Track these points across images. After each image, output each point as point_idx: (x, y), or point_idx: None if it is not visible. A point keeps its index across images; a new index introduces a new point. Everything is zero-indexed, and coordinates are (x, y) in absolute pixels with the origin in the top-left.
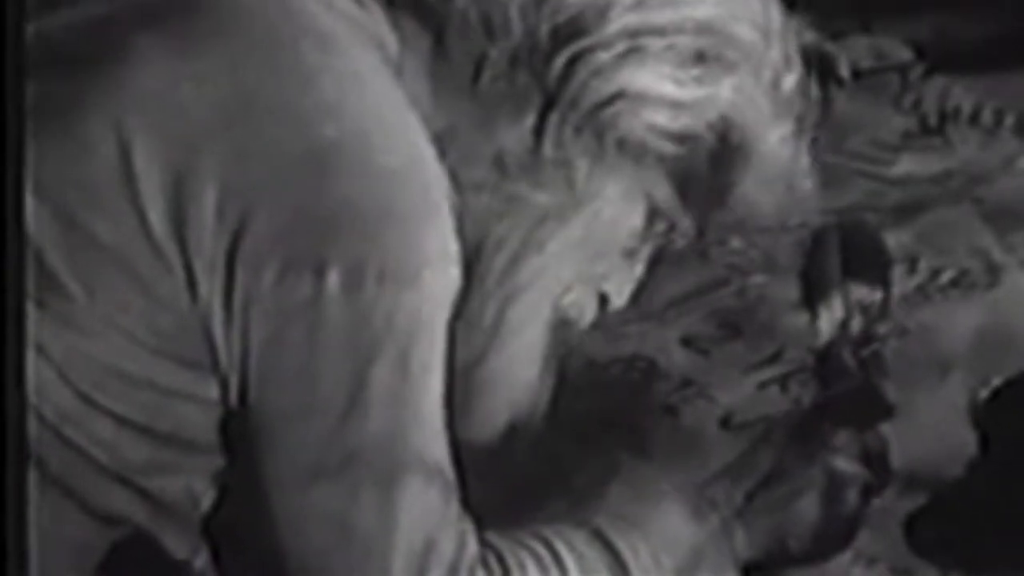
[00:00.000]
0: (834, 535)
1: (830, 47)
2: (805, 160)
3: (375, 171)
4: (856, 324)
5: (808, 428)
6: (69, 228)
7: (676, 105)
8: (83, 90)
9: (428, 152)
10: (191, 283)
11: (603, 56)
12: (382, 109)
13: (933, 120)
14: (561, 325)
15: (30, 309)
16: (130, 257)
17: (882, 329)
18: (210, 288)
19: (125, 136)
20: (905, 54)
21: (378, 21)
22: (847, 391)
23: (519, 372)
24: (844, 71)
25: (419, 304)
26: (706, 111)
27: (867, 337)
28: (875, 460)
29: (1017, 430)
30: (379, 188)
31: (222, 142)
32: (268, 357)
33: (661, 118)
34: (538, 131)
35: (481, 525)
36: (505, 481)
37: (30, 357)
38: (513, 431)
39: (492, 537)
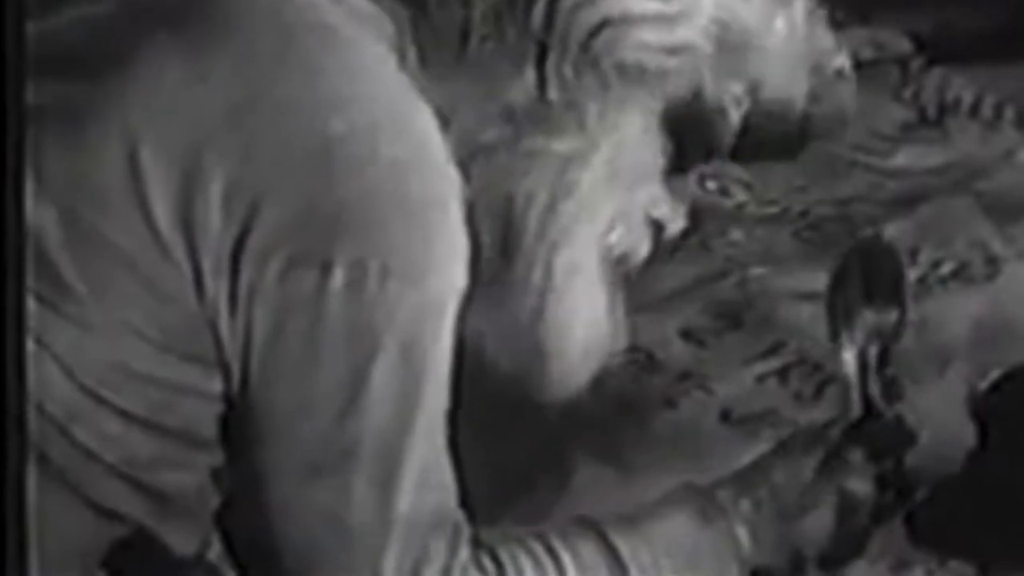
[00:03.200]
0: (839, 553)
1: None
2: (827, 38)
3: (382, 165)
4: (874, 349)
5: (825, 445)
6: (75, 228)
7: (662, 19)
8: (90, 90)
9: (436, 143)
10: (198, 281)
11: None
12: (390, 102)
13: (933, 112)
14: (617, 262)
15: (35, 308)
16: (136, 256)
17: (898, 351)
18: (216, 286)
19: (132, 135)
20: (905, 46)
21: (382, 9)
22: (871, 419)
23: (583, 325)
24: (845, 64)
25: (423, 301)
26: (694, 17)
27: (885, 361)
28: (891, 485)
29: (1016, 422)
30: (386, 183)
31: (229, 140)
32: (270, 350)
33: (651, 35)
34: (540, 79)
35: (480, 508)
36: (593, 431)
37: (35, 354)
38: (595, 383)
39: (487, 536)
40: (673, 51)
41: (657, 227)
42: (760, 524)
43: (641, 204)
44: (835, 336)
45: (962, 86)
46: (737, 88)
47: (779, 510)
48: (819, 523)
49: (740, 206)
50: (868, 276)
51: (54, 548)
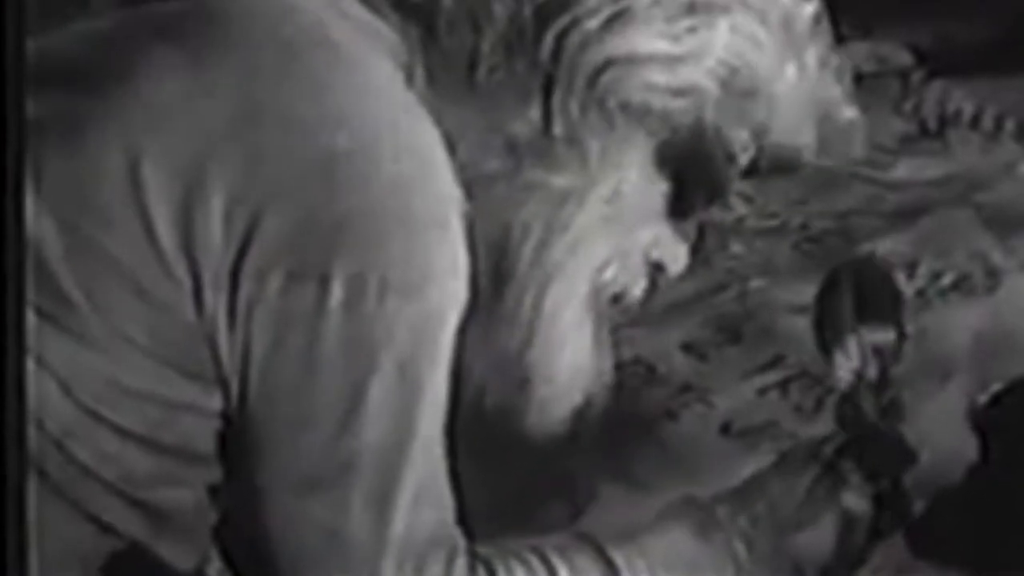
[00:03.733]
0: (839, 568)
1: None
2: (837, 89)
3: (384, 181)
4: (872, 369)
5: (823, 462)
6: (76, 241)
7: (669, 60)
8: (92, 103)
9: (441, 161)
10: (198, 295)
11: (589, 25)
12: (394, 119)
13: (933, 125)
14: (608, 303)
15: (34, 322)
16: (137, 270)
17: (898, 372)
18: (216, 300)
19: (134, 149)
20: (905, 58)
21: (391, 27)
22: (869, 438)
23: (570, 355)
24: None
25: (421, 317)
26: (703, 60)
27: (884, 381)
28: (889, 504)
29: (1017, 434)
30: (387, 198)
31: (231, 154)
32: (268, 365)
33: (656, 75)
34: (545, 114)
35: (481, 530)
36: (562, 472)
37: (33, 370)
38: (575, 416)
39: (483, 549)
40: (679, 92)
41: (656, 268)
42: (758, 539)
43: (642, 245)
44: (826, 351)
45: (962, 98)
46: (743, 133)
47: (776, 525)
48: (818, 538)
49: (740, 219)
50: (860, 293)
51: (55, 561)
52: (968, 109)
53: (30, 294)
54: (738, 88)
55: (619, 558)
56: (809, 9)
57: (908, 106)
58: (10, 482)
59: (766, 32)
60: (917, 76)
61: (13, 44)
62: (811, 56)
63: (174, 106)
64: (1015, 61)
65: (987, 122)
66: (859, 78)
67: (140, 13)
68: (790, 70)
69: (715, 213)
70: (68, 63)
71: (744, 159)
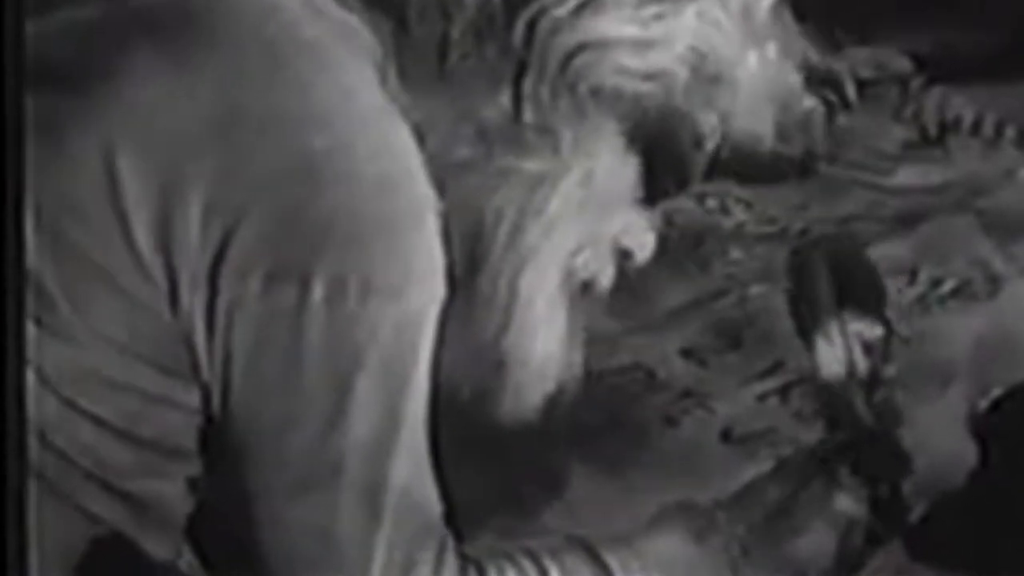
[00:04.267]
0: (836, 573)
1: (837, 68)
2: (795, 79)
3: (362, 182)
4: (862, 366)
5: (818, 467)
6: (55, 240)
7: (640, 44)
8: (72, 102)
9: (416, 161)
10: (173, 295)
11: (559, 12)
12: (372, 119)
13: (933, 131)
14: (580, 290)
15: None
16: (113, 269)
17: (890, 372)
18: (191, 300)
19: (112, 149)
20: (905, 65)
21: (363, 22)
22: (863, 441)
23: (542, 343)
24: (851, 93)
25: (404, 317)
26: (672, 44)
27: (875, 380)
28: (885, 509)
29: (1017, 441)
30: (366, 199)
31: (209, 155)
32: (251, 366)
33: (627, 59)
34: (516, 100)
35: (473, 532)
36: (537, 463)
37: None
38: (547, 404)
39: (474, 551)
40: (649, 76)
41: (624, 255)
42: (754, 544)
43: (611, 232)
44: (806, 337)
45: (962, 105)
46: (711, 118)
47: (772, 531)
48: (816, 543)
49: (740, 225)
50: (840, 277)
51: (46, 547)
52: (968, 115)
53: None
54: (705, 73)
55: (613, 561)
56: (767, 1)
57: (908, 112)
58: (10, 483)
59: (728, 19)
60: (917, 83)
61: (12, 40)
62: (770, 48)
63: (155, 106)
64: (1015, 68)
65: (987, 128)
66: (859, 85)
67: (125, 7)
68: (751, 58)
69: (715, 218)
70: (51, 59)
71: (710, 145)
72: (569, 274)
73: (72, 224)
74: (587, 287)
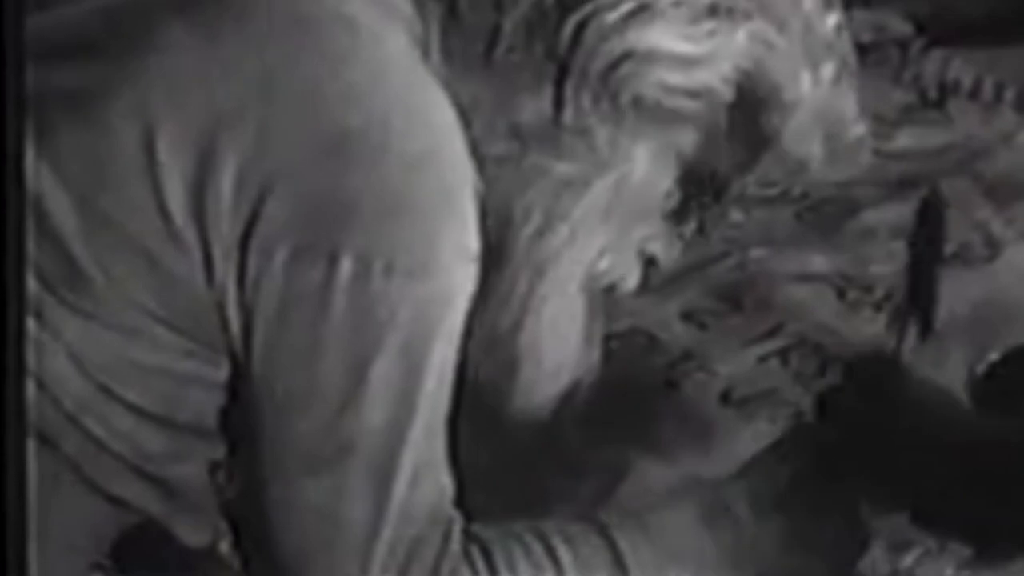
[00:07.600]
0: (843, 550)
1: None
2: (851, 105)
3: (394, 159)
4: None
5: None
6: (91, 215)
7: (687, 61)
8: (107, 75)
9: (455, 139)
10: (208, 266)
11: (609, 18)
12: (409, 96)
13: (933, 94)
14: (601, 292)
15: (49, 300)
16: (148, 242)
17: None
18: (225, 269)
19: (148, 121)
20: (905, 28)
21: (407, 2)
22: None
23: (559, 341)
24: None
25: (426, 299)
26: (719, 64)
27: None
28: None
29: (1014, 404)
30: (397, 177)
31: (244, 127)
32: (272, 339)
33: (672, 75)
34: (557, 102)
35: (482, 510)
36: (546, 460)
37: (48, 347)
38: (561, 401)
39: (480, 529)
40: (693, 94)
41: (650, 262)
42: (766, 531)
43: (637, 238)
44: (919, 305)
45: (962, 68)
46: (754, 140)
47: (783, 525)
48: (820, 536)
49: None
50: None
51: (61, 533)
52: (967, 79)
53: (44, 270)
54: (752, 94)
55: (625, 544)
56: (831, 20)
57: (908, 76)
58: (10, 470)
59: (784, 40)
60: (916, 46)
61: (12, 23)
62: (827, 69)
63: (189, 79)
64: (1015, 30)
65: (986, 92)
66: (859, 48)
67: None
68: (805, 80)
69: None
70: (83, 35)
71: (752, 168)
72: (591, 277)
73: (107, 197)
74: (611, 289)
